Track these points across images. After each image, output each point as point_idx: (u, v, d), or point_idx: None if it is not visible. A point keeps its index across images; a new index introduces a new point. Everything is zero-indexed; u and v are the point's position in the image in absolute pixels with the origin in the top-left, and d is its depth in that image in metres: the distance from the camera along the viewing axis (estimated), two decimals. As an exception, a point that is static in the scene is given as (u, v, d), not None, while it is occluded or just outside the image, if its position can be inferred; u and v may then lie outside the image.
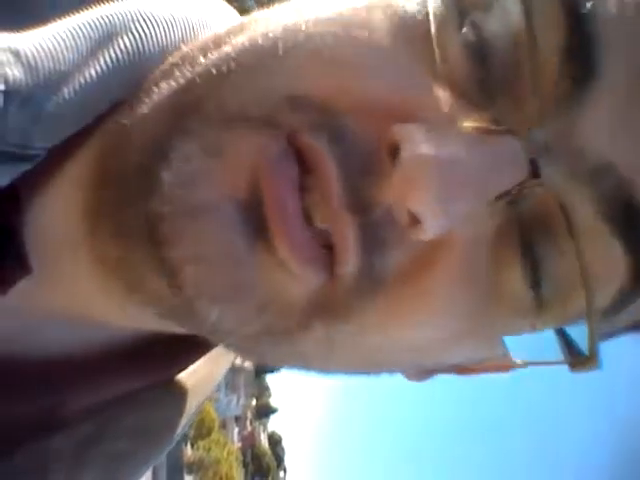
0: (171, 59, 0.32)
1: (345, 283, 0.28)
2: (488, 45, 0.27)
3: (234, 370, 21.09)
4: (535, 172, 0.26)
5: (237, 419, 26.70)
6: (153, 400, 0.40)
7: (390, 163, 0.26)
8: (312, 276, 0.27)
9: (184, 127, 0.27)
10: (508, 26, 0.27)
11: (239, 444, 26.66)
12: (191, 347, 0.39)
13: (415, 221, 0.26)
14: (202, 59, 0.29)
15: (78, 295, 0.33)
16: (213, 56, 0.29)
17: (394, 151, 0.26)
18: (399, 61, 0.27)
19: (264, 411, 34.66)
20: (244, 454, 26.58)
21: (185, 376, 0.41)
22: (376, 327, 0.29)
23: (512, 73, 0.27)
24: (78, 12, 0.31)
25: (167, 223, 0.27)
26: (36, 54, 0.28)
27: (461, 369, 0.35)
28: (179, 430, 0.42)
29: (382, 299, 0.28)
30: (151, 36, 0.32)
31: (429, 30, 0.27)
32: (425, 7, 0.28)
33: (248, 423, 29.92)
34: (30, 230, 0.32)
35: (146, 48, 0.31)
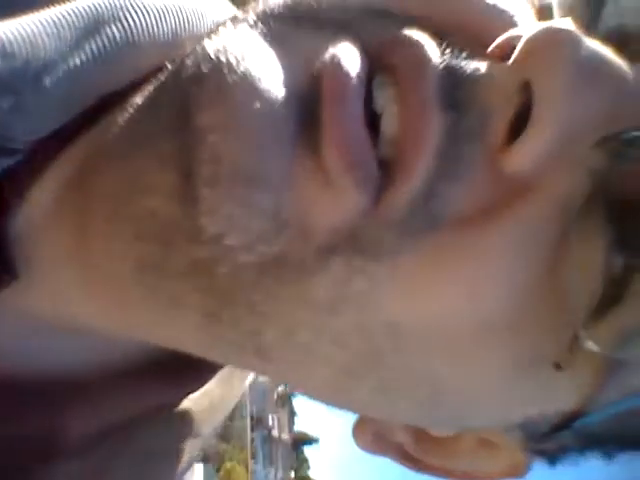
0: None
1: (389, 215, 0.23)
2: None
3: (272, 442, 20.84)
4: None
5: (275, 492, 26.12)
6: (160, 425, 0.37)
7: (500, 59, 0.24)
8: (354, 196, 0.23)
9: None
10: None
11: (277, 518, 26.06)
12: (199, 368, 0.35)
13: (511, 139, 0.23)
14: None
15: (70, 303, 0.30)
16: None
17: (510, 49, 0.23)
18: None
19: (303, 484, 33.83)
20: (283, 528, 25.91)
21: (196, 398, 0.37)
22: (407, 281, 0.23)
23: None
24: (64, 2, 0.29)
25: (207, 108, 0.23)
26: (12, 39, 0.26)
27: (462, 474, 0.33)
28: (186, 457, 0.38)
29: (426, 244, 0.23)
30: (141, 25, 0.30)
31: None
32: None
33: (287, 497, 29.20)
34: (15, 232, 0.29)
35: (136, 38, 0.29)
